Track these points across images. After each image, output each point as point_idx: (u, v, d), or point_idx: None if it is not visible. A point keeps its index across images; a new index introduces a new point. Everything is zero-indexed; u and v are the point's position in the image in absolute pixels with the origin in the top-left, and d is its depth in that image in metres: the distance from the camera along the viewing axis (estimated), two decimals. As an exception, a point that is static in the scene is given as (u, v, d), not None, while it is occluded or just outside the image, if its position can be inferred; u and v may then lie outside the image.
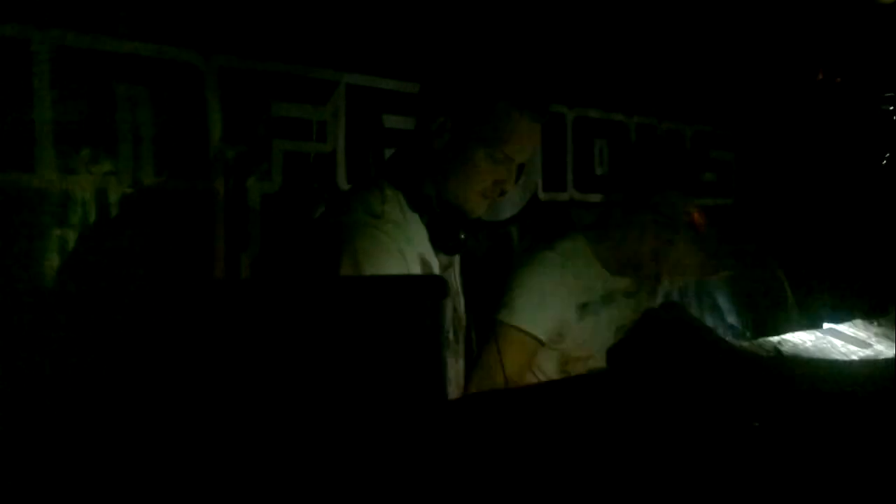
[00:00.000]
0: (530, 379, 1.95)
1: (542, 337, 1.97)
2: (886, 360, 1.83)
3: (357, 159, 2.31)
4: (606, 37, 2.94)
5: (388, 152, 2.33)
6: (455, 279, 1.69)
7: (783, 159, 3.73)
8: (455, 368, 1.64)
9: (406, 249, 1.50)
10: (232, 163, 2.05)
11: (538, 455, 0.86)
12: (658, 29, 3.07)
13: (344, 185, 2.29)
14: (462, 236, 1.59)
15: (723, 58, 3.34)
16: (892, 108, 3.68)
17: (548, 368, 2.01)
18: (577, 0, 2.82)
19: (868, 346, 1.99)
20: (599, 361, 1.32)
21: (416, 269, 1.51)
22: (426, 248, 1.56)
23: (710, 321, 2.92)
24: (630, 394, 0.88)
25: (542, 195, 2.85)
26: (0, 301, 1.67)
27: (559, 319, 2.00)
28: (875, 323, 2.17)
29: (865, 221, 3.58)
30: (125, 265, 1.85)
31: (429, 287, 1.05)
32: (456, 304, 1.68)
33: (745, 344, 1.97)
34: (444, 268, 1.64)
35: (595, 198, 3.01)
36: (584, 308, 2.06)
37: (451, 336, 1.62)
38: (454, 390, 1.64)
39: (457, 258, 1.71)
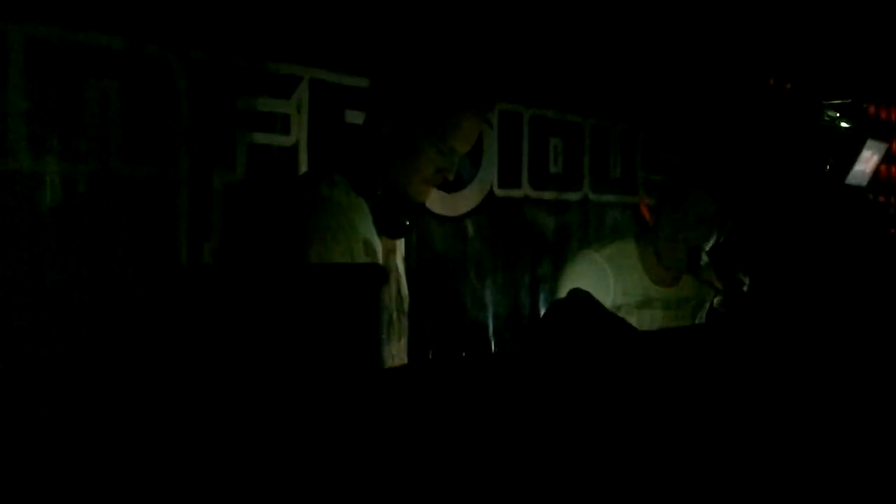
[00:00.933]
0: None
1: None
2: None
3: (319, 152, 2.42)
4: (564, 38, 3.07)
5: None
6: (399, 262, 1.79)
7: (732, 161, 3.88)
8: (398, 346, 1.74)
9: (349, 231, 1.59)
10: (197, 153, 2.15)
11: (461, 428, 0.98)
12: (613, 33, 3.20)
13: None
14: (405, 222, 1.70)
15: (678, 62, 3.48)
16: (835, 115, 3.86)
17: None
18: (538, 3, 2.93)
19: None
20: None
21: (358, 250, 1.60)
22: (370, 231, 1.66)
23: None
24: (535, 372, 0.99)
25: (497, 191, 2.97)
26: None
27: None
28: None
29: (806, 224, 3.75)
30: (92, 249, 1.94)
31: (368, 275, 1.16)
32: (400, 286, 1.78)
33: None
34: (388, 251, 1.74)
35: (549, 195, 3.14)
36: (616, 310, 2.17)
37: (394, 316, 1.71)
38: (398, 364, 1.75)
39: (400, 243, 1.81)
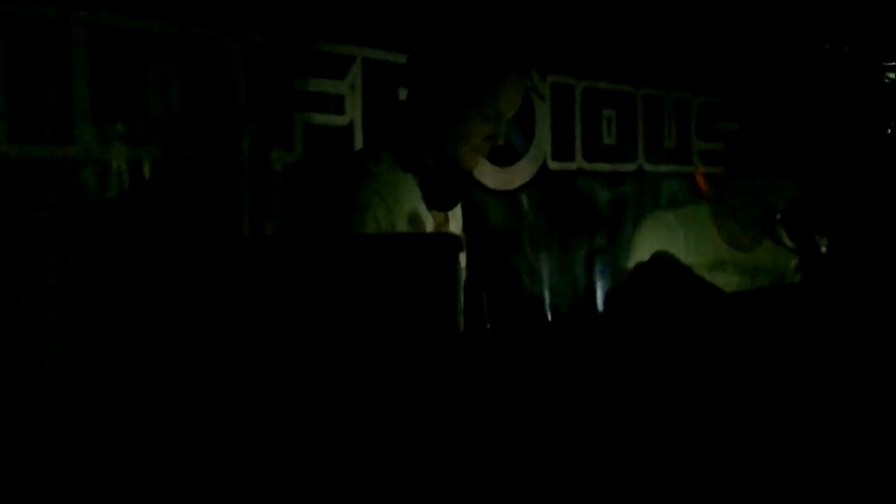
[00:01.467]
0: None
1: None
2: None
3: (372, 130, 2.43)
4: (613, 8, 3.02)
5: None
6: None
7: (789, 129, 3.79)
8: None
9: (394, 207, 1.62)
10: (256, 135, 2.17)
11: (538, 391, 0.98)
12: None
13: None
14: (454, 193, 1.71)
15: (729, 27, 3.40)
16: (894, 77, 3.74)
17: None
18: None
19: None
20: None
21: (402, 226, 1.62)
22: (419, 206, 1.68)
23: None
24: (624, 333, 0.99)
25: (551, 164, 2.95)
26: (44, 265, 1.80)
27: None
28: None
29: (868, 193, 3.65)
30: (158, 234, 1.98)
31: (443, 244, 1.17)
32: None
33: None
34: (440, 225, 1.75)
35: (603, 167, 3.10)
36: None
37: None
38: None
39: (457, 216, 1.82)
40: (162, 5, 2.00)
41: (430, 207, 1.70)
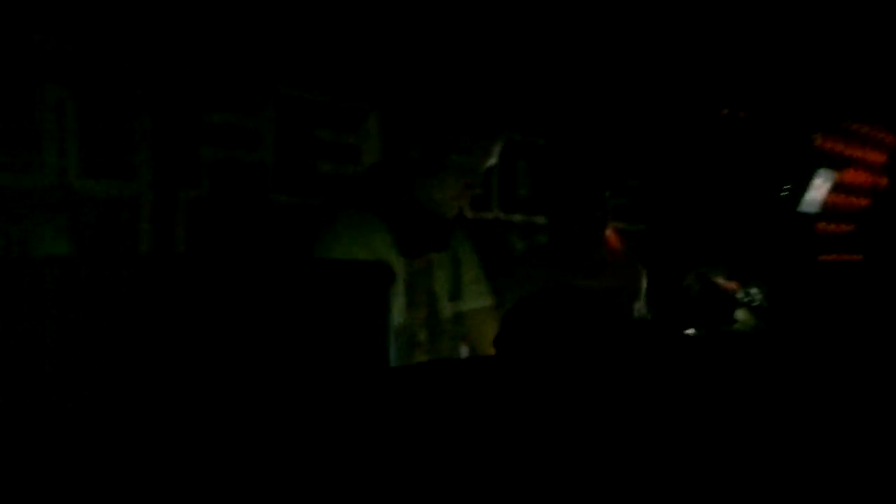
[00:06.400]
0: None
1: None
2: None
3: (287, 169, 2.33)
4: (534, 68, 3.06)
5: (321, 164, 2.39)
6: (435, 284, 1.76)
7: (686, 186, 3.92)
8: None
9: (359, 253, 1.60)
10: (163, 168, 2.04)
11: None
12: (574, 60, 3.21)
13: (274, 194, 2.31)
14: (426, 241, 1.70)
15: (635, 90, 3.51)
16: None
17: None
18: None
19: None
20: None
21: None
22: (390, 252, 1.66)
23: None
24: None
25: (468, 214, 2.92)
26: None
27: None
28: None
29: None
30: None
31: (373, 272, 1.08)
32: (437, 308, 1.76)
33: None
34: (417, 273, 1.72)
35: (518, 217, 3.10)
36: None
37: (421, 336, 1.71)
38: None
39: (441, 264, 1.78)
40: (69, 27, 1.86)
41: (403, 255, 1.68)
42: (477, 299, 1.84)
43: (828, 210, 4.49)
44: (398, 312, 1.66)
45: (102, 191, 1.93)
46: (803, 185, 4.24)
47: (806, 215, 4.29)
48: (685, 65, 3.61)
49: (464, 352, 1.84)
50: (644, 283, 2.51)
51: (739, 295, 2.11)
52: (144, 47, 2.00)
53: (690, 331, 2.10)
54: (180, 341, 0.88)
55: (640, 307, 2.48)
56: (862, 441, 1.13)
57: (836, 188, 4.50)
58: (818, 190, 4.33)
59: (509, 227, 3.06)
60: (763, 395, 1.10)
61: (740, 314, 2.13)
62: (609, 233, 2.58)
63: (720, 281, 2.14)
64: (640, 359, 1.11)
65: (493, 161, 1.71)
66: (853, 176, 4.72)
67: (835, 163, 4.46)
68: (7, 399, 0.84)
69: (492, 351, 1.24)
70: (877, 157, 4.94)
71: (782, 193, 4.08)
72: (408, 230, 1.68)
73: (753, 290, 2.10)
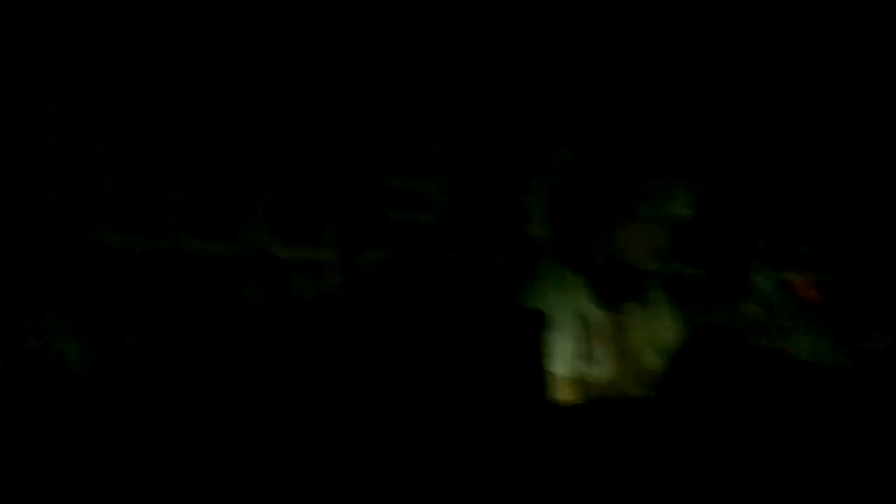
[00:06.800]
0: None
1: None
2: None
3: (463, 229, 2.43)
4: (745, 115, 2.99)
5: (492, 222, 2.46)
6: (633, 334, 1.79)
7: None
8: None
9: (560, 306, 1.66)
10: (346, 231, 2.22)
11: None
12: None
13: (451, 253, 2.42)
14: (624, 293, 1.74)
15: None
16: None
17: None
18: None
19: None
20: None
21: (566, 324, 1.66)
22: (587, 305, 1.72)
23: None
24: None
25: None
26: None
27: None
28: None
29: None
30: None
31: (526, 318, 1.14)
32: (639, 362, 1.77)
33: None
34: (618, 326, 1.75)
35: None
36: None
37: (624, 384, 1.73)
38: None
39: (645, 318, 1.81)
40: (265, 109, 2.10)
41: (603, 307, 1.75)
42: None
43: None
44: (601, 362, 1.67)
45: (296, 255, 2.12)
46: None
47: None
48: None
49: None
50: None
51: None
52: (335, 126, 2.20)
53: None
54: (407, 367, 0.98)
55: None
56: None
57: None
58: None
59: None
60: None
61: None
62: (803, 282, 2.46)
63: None
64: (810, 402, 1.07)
65: (685, 212, 1.70)
66: None
67: None
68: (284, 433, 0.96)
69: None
70: None
71: None
72: (604, 282, 1.70)
73: None
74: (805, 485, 0.96)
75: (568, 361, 1.68)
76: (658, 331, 1.81)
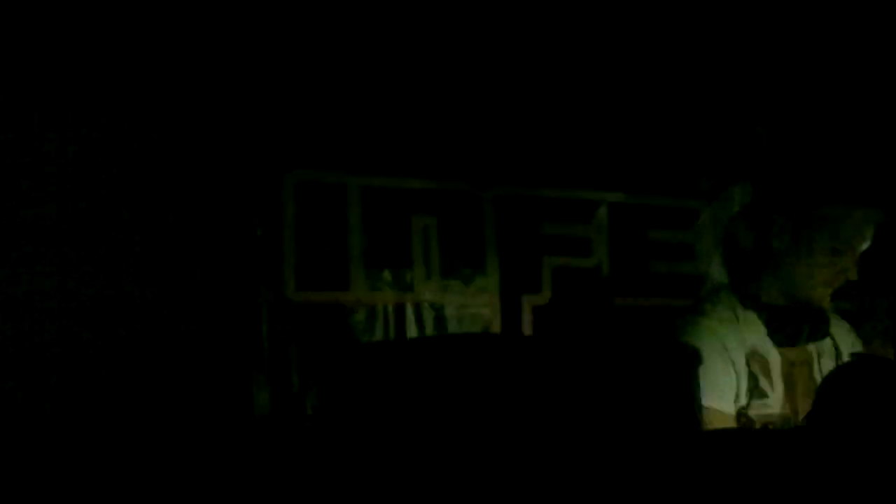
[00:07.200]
0: None
1: None
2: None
3: (621, 272, 2.44)
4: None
5: (655, 264, 2.46)
6: (815, 374, 1.71)
7: None
8: None
9: (730, 344, 1.62)
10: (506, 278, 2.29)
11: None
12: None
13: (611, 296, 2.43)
14: (803, 329, 1.67)
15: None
16: None
17: None
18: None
19: None
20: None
21: (741, 362, 1.62)
22: (762, 342, 1.66)
23: None
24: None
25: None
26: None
27: None
28: None
29: None
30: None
31: (674, 354, 1.15)
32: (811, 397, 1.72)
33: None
34: (793, 363, 1.69)
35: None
36: None
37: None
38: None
39: (823, 353, 1.73)
40: (423, 167, 2.24)
41: (777, 344, 1.68)
42: None
43: None
44: (776, 403, 1.61)
45: (453, 300, 2.22)
46: None
47: None
48: None
49: None
50: None
51: None
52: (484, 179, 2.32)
53: None
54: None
55: None
56: None
57: None
58: None
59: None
60: None
61: None
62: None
63: None
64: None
65: (866, 243, 1.64)
66: None
67: None
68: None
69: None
70: None
71: None
72: (779, 320, 1.67)
73: None
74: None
75: (732, 398, 1.65)
76: (832, 367, 1.73)
